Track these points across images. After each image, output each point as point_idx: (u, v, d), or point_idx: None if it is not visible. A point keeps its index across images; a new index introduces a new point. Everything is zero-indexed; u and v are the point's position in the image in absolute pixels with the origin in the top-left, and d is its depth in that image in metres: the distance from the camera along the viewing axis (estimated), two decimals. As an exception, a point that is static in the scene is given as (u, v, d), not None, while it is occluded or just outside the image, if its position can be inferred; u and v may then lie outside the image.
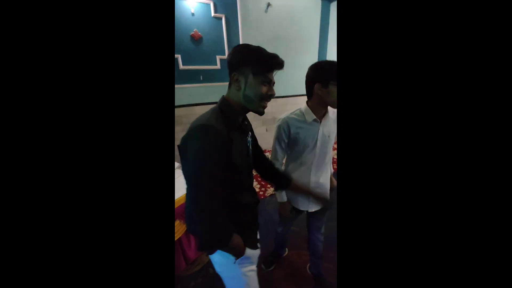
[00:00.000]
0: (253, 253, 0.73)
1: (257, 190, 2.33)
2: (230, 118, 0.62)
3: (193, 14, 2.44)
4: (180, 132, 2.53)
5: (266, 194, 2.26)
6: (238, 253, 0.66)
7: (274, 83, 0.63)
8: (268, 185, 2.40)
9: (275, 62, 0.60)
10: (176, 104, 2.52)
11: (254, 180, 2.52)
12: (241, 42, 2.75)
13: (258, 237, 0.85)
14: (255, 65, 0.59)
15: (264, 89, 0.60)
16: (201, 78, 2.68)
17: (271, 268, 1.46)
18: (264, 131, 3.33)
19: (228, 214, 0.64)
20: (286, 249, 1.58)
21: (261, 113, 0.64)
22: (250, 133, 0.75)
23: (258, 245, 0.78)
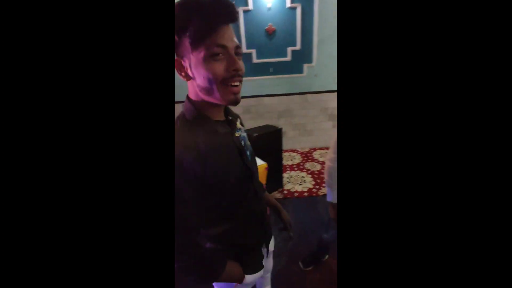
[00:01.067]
0: (253, 279, 0.61)
1: (310, 186, 2.22)
2: (202, 126, 0.45)
3: (269, 9, 2.52)
4: (248, 120, 2.76)
5: (319, 193, 2.11)
6: (235, 281, 0.57)
7: (238, 52, 0.41)
8: (323, 184, 2.23)
9: (222, 14, 0.38)
10: (246, 94, 2.74)
11: (310, 175, 2.40)
12: (315, 34, 2.59)
13: (272, 248, 0.71)
14: (193, 35, 0.37)
15: (219, 66, 0.39)
16: (271, 70, 2.77)
17: (309, 268, 1.40)
18: (330, 126, 3.06)
19: (225, 237, 0.54)
20: (327, 255, 1.45)
21: (233, 101, 0.43)
22: (242, 127, 0.55)
23: (263, 262, 0.65)
